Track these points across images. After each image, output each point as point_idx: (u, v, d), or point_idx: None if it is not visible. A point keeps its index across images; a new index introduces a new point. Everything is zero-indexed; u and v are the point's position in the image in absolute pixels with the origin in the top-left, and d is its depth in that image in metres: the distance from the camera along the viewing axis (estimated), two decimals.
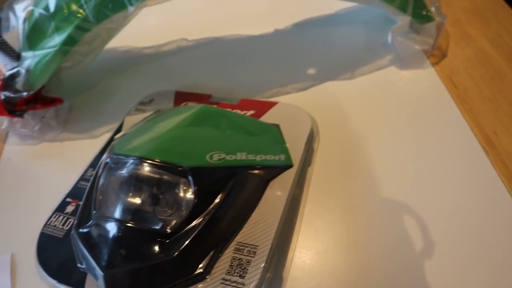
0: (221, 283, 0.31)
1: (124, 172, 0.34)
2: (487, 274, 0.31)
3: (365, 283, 0.33)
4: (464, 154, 0.38)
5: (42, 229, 0.38)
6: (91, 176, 0.41)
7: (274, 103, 0.44)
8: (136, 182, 0.33)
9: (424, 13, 0.43)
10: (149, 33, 0.59)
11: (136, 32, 0.56)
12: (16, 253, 0.41)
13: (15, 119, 0.49)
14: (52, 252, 0.36)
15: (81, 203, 0.38)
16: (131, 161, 0.33)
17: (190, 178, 0.33)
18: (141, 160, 0.33)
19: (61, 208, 0.39)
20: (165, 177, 0.33)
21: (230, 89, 0.48)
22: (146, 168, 0.33)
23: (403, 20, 0.44)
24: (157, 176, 0.33)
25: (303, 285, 0.34)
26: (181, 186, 0.33)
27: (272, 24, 0.55)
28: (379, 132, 0.41)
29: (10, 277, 0.40)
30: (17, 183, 0.47)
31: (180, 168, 0.33)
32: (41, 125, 0.49)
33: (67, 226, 0.37)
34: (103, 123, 0.49)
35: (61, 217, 0.38)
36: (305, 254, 0.36)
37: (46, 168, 0.47)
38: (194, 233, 0.31)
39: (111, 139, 0.44)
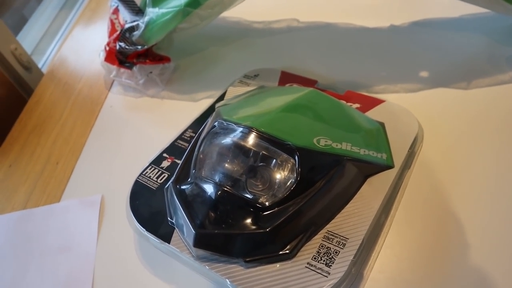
0: (306, 267, 0.31)
1: (230, 138, 0.34)
2: None
3: None
4: None
5: (138, 177, 0.39)
6: (190, 137, 0.42)
7: (381, 101, 0.43)
8: (241, 150, 0.33)
9: None
10: (261, 8, 0.58)
11: (248, 5, 0.56)
12: (106, 195, 0.44)
13: (123, 70, 0.51)
14: (144, 202, 0.37)
15: (177, 160, 0.39)
16: (240, 129, 0.34)
17: (296, 157, 0.32)
18: (250, 130, 0.33)
19: (157, 161, 0.40)
20: (271, 151, 0.33)
21: (336, 78, 0.47)
22: (254, 139, 0.33)
23: None
24: (262, 149, 0.33)
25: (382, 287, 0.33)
26: (283, 164, 0.33)
27: (389, 19, 0.53)
28: (488, 151, 0.39)
29: (98, 215, 0.42)
30: (114, 131, 0.50)
31: (287, 146, 0.32)
32: (146, 79, 0.51)
33: (161, 180, 0.38)
34: (204, 89, 0.50)
35: (156, 170, 0.39)
36: (389, 258, 0.34)
37: (144, 121, 0.49)
38: (289, 213, 0.31)
39: (212, 106, 0.45)
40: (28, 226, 0.44)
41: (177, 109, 0.49)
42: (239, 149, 0.33)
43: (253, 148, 0.33)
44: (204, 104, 0.46)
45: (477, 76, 0.45)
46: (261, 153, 0.33)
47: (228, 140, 0.34)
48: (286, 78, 0.47)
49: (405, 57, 0.48)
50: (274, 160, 0.34)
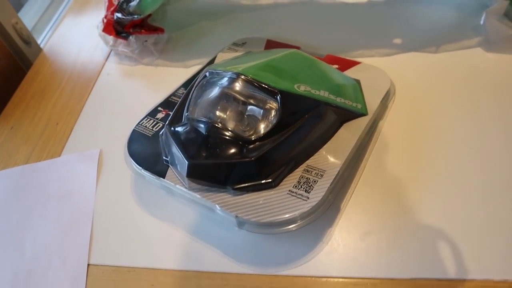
0: (287, 193, 0.34)
1: (220, 82, 0.38)
2: None
3: (413, 236, 0.35)
4: None
5: (135, 127, 0.42)
6: (182, 93, 0.45)
7: (357, 62, 0.47)
8: (229, 94, 0.37)
9: None
10: None
11: None
12: (104, 150, 0.47)
13: (120, 40, 0.55)
14: (140, 146, 0.41)
15: (170, 112, 0.43)
16: (229, 74, 0.37)
17: (278, 98, 0.36)
18: (237, 75, 0.37)
19: (152, 113, 0.44)
20: (256, 94, 0.37)
21: (317, 45, 0.51)
22: (240, 83, 0.37)
23: (500, 4, 0.45)
24: (249, 92, 0.37)
25: (357, 218, 0.37)
26: (268, 109, 0.37)
27: None
28: (454, 106, 0.43)
29: (96, 166, 0.46)
30: (112, 94, 0.53)
31: (271, 88, 0.36)
32: (141, 48, 0.55)
33: (156, 128, 0.42)
34: (196, 57, 0.54)
35: (151, 121, 0.43)
36: (364, 193, 0.38)
37: (139, 85, 0.53)
38: (273, 145, 0.35)
39: (203, 69, 0.48)
40: (31, 178, 0.47)
41: (170, 75, 0.53)
42: (227, 92, 0.37)
43: (240, 91, 0.37)
44: (195, 70, 0.50)
45: (445, 42, 0.49)
46: (248, 97, 0.37)
47: (217, 84, 0.38)
48: (272, 45, 0.51)
49: (381, 27, 0.53)
50: (261, 105, 0.37)
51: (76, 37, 0.63)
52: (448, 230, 0.35)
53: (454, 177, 0.38)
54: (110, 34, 0.55)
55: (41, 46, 0.66)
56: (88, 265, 0.38)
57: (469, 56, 0.47)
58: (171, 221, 0.39)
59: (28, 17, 0.76)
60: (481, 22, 0.47)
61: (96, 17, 0.65)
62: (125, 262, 0.38)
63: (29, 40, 0.62)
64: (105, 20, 0.55)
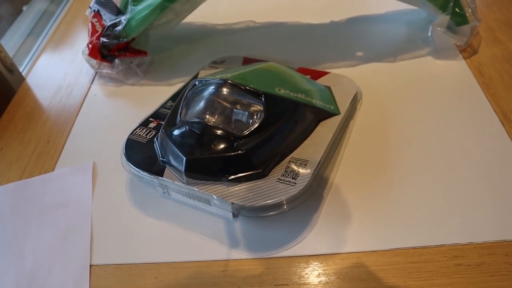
0: (277, 181, 0.38)
1: (209, 88, 0.42)
2: None
3: (388, 214, 0.40)
4: (484, 125, 0.46)
5: (129, 136, 0.46)
6: (170, 106, 0.49)
7: (327, 72, 0.53)
8: (217, 98, 0.41)
9: (459, 11, 0.52)
10: (221, 14, 0.69)
11: (210, 13, 0.66)
12: (97, 162, 0.50)
13: (104, 63, 0.59)
14: (136, 151, 0.44)
15: (161, 122, 0.46)
16: (217, 80, 0.42)
17: (262, 99, 0.41)
18: (225, 81, 0.42)
19: (145, 123, 0.47)
20: (241, 99, 0.41)
21: (289, 60, 0.57)
22: (228, 87, 0.42)
23: (443, 18, 0.53)
24: (235, 97, 0.42)
25: (338, 203, 0.41)
26: (252, 110, 0.41)
27: (329, 17, 0.64)
28: (411, 105, 0.50)
29: (91, 177, 0.48)
30: (100, 113, 0.56)
31: (255, 91, 0.41)
32: (126, 70, 0.59)
33: (149, 136, 0.45)
34: (178, 76, 0.58)
35: (144, 130, 0.46)
36: (342, 183, 0.43)
37: (127, 103, 0.56)
38: (260, 139, 0.39)
39: (188, 83, 0.53)
40: (26, 191, 0.49)
41: (156, 92, 0.57)
42: (217, 95, 0.42)
43: (228, 96, 0.42)
44: (179, 87, 0.54)
45: (401, 53, 0.56)
46: (235, 102, 0.42)
47: (207, 90, 0.42)
48: (248, 62, 0.56)
49: (344, 43, 0.60)
50: (246, 109, 0.42)
51: (59, 64, 0.67)
52: (416, 206, 0.40)
53: (417, 162, 0.43)
54: (96, 58, 0.58)
55: (23, 74, 0.68)
56: (91, 265, 0.41)
57: (421, 64, 0.54)
58: (168, 219, 0.42)
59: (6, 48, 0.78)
60: (429, 34, 0.55)
61: (78, 44, 0.69)
62: (127, 259, 0.40)
63: (12, 68, 0.65)
64: (90, 46, 0.59)
